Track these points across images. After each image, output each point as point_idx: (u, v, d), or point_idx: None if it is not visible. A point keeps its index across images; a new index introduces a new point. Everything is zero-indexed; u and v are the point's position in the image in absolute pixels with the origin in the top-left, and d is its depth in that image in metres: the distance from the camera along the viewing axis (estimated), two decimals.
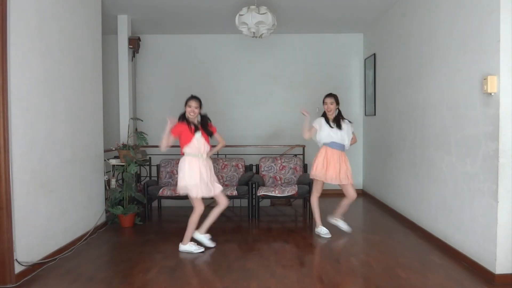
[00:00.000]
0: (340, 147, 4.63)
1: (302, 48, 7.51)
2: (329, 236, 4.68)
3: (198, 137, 4.13)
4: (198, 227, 4.28)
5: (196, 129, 4.15)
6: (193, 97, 4.22)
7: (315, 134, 4.69)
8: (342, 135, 4.61)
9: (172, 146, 6.51)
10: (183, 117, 4.20)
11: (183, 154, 4.16)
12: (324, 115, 4.71)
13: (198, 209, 4.16)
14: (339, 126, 4.62)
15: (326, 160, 4.59)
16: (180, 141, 4.16)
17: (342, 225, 4.84)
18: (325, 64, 7.50)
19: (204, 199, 4.20)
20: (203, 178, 4.10)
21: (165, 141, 4.09)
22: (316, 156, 4.69)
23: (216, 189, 4.22)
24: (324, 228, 4.75)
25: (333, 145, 4.60)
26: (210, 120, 4.30)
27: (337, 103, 4.69)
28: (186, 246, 4.19)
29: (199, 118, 4.26)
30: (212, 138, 4.31)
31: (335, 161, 4.57)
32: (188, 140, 4.11)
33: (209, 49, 7.48)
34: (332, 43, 7.50)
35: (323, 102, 4.71)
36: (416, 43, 4.99)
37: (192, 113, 4.15)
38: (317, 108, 7.35)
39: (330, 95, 4.72)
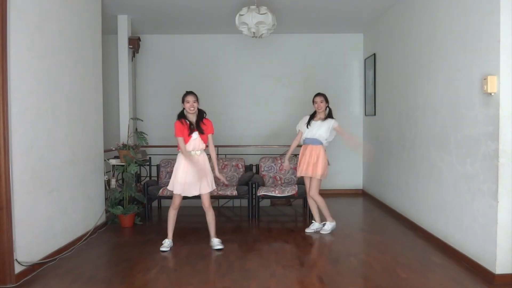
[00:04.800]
0: (312, 141, 4.77)
1: (302, 48, 7.51)
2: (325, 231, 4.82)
3: (195, 137, 4.18)
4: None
5: (192, 130, 4.18)
6: (189, 92, 4.25)
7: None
8: (316, 131, 4.74)
9: (171, 146, 6.53)
10: (181, 115, 4.23)
11: (178, 150, 4.26)
12: (313, 114, 4.86)
13: (173, 204, 4.29)
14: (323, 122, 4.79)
15: (302, 157, 4.82)
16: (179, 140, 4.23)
17: (327, 227, 4.86)
18: (325, 64, 7.49)
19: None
20: (188, 176, 4.15)
21: (182, 146, 4.19)
22: None
23: (202, 189, 4.22)
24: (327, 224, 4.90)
25: (306, 141, 4.83)
26: (206, 114, 4.33)
27: (327, 101, 4.82)
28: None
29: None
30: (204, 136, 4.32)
31: (306, 155, 4.77)
32: (186, 141, 4.17)
33: (209, 49, 7.47)
34: (332, 43, 7.50)
35: (313, 101, 4.85)
36: (416, 43, 4.99)
37: (192, 108, 4.18)
38: None
39: (319, 94, 4.87)
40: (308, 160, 4.73)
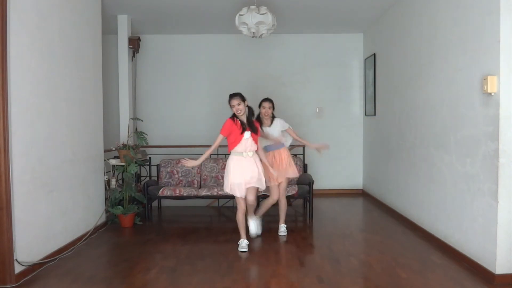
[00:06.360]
0: (275, 147, 4.66)
1: (302, 48, 7.51)
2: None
3: (247, 137, 4.13)
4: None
5: (245, 129, 4.13)
6: (232, 96, 4.20)
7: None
8: (272, 135, 4.64)
9: (171, 146, 6.48)
10: (234, 115, 4.19)
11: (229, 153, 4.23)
12: (259, 120, 4.65)
13: (240, 207, 4.23)
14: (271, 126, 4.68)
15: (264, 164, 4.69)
16: (229, 141, 4.17)
17: (253, 226, 4.62)
18: (325, 64, 7.49)
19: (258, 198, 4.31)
20: (246, 177, 4.12)
21: (212, 149, 4.16)
22: None
23: (261, 186, 4.25)
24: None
25: (268, 148, 4.67)
26: (254, 115, 4.30)
27: (273, 108, 4.72)
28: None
29: (247, 113, 4.24)
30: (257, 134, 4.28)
31: (274, 163, 4.63)
32: (237, 142, 4.12)
33: (209, 49, 7.47)
34: (332, 43, 7.50)
35: (260, 106, 4.69)
36: (416, 43, 4.99)
37: (239, 111, 4.14)
38: (317, 108, 7.42)
39: (267, 99, 4.72)
40: (279, 166, 4.62)
